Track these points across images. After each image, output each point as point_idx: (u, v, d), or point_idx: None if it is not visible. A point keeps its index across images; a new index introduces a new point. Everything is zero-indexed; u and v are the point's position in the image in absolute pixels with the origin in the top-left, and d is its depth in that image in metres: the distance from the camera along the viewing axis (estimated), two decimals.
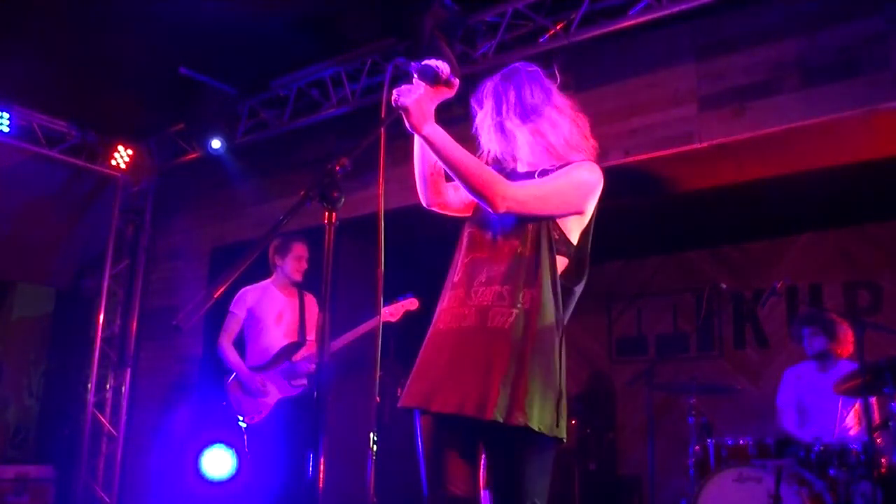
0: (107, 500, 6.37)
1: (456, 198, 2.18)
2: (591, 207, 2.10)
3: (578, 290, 2.08)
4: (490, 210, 1.94)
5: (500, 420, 1.83)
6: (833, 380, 4.19)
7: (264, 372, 4.26)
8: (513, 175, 2.12)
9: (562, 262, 2.03)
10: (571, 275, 2.05)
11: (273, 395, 4.22)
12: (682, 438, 4.76)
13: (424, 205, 2.18)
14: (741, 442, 4.21)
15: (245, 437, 4.23)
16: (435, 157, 1.98)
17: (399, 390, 5.59)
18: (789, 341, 5.08)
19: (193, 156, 6.42)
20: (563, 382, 1.95)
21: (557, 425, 1.89)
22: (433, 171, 2.12)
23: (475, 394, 1.87)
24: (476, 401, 1.86)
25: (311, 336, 4.41)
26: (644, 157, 4.41)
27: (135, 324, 6.76)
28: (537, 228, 2.00)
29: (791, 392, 4.67)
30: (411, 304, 4.29)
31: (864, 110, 3.81)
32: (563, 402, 1.93)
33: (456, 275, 2.08)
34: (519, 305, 1.93)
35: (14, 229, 6.57)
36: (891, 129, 4.11)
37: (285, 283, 4.46)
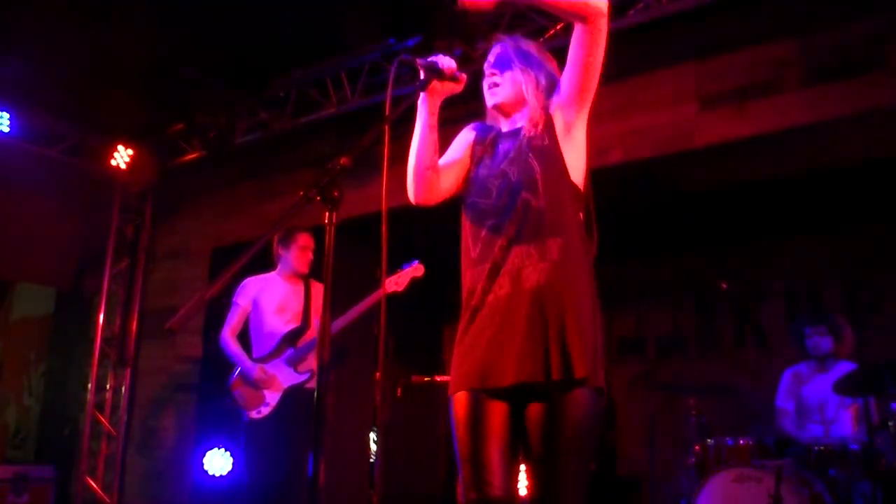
0: (107, 500, 6.37)
1: (444, 185, 2.15)
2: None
3: (592, 251, 2.09)
4: (591, 22, 2.01)
5: (564, 377, 1.83)
6: (833, 380, 4.19)
7: (267, 362, 4.15)
8: (501, 135, 2.16)
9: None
10: (585, 230, 2.06)
11: (279, 385, 4.09)
12: (682, 438, 4.76)
13: (413, 200, 2.14)
14: (741, 442, 4.21)
15: (252, 433, 4.05)
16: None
17: (399, 390, 5.60)
18: (789, 341, 5.08)
19: (193, 156, 6.42)
20: (598, 330, 1.96)
21: (596, 374, 1.90)
22: (430, 165, 2.11)
23: (530, 359, 1.86)
24: (533, 365, 1.85)
25: (317, 319, 4.26)
26: (644, 156, 4.41)
27: (135, 324, 6.76)
28: (547, 178, 1.99)
29: (791, 392, 4.68)
30: (416, 270, 4.11)
31: (864, 110, 3.81)
32: (602, 349, 1.95)
33: (473, 250, 2.04)
34: (548, 257, 1.93)
35: (14, 229, 6.57)
36: (891, 128, 4.11)
37: (290, 275, 4.33)
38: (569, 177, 2.03)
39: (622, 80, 4.55)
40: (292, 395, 4.10)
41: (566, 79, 2.09)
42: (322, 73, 5.45)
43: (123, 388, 6.65)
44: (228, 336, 4.21)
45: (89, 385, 6.60)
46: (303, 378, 4.14)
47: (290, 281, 4.34)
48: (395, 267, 4.15)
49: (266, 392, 4.09)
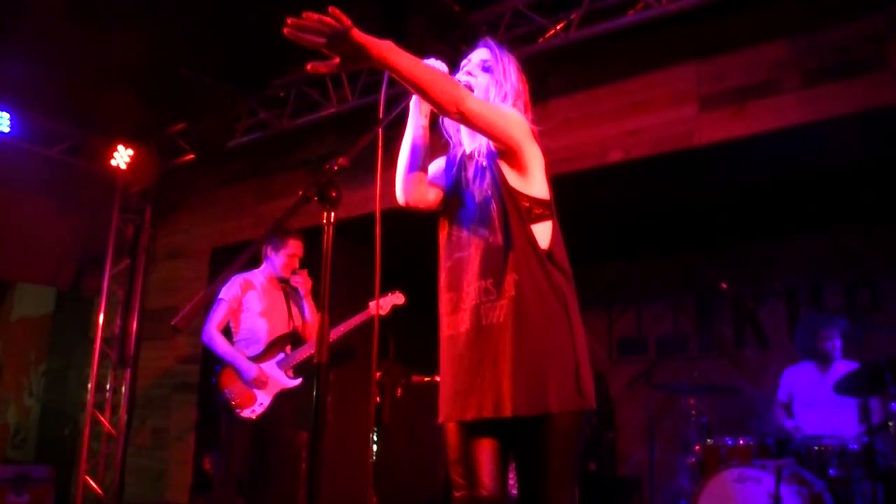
0: (107, 500, 6.37)
1: (431, 193, 2.14)
2: (530, 147, 2.03)
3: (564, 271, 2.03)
4: (443, 112, 1.88)
5: (520, 414, 1.83)
6: (833, 380, 4.20)
7: (260, 363, 4.15)
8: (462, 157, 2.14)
9: (546, 227, 1.99)
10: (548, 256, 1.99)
11: (273, 386, 4.11)
12: (682, 438, 4.76)
13: (402, 201, 2.12)
14: (741, 442, 4.21)
15: (241, 431, 4.03)
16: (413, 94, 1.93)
17: (399, 390, 5.59)
18: (789, 341, 5.09)
19: (193, 156, 6.42)
20: (579, 348, 1.92)
21: (581, 394, 1.88)
22: (422, 166, 2.10)
23: (491, 394, 1.87)
24: (493, 401, 1.87)
25: (298, 325, 4.34)
26: (644, 156, 4.41)
27: (135, 324, 6.76)
28: (501, 209, 1.96)
29: (791, 392, 4.69)
30: (398, 298, 4.24)
31: (863, 110, 3.81)
32: (584, 367, 1.90)
33: (442, 279, 2.07)
34: (506, 295, 1.91)
35: (14, 229, 6.57)
36: (891, 128, 4.11)
37: (272, 277, 4.34)
38: (519, 198, 1.97)
39: (622, 80, 4.54)
40: (283, 399, 4.14)
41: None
42: (322, 73, 5.44)
43: (123, 388, 6.64)
44: (215, 332, 4.18)
45: (89, 385, 6.60)
46: (294, 384, 4.18)
47: (273, 284, 4.36)
48: (384, 288, 4.23)
49: (258, 392, 4.08)
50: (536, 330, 1.89)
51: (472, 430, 1.97)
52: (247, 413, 4.02)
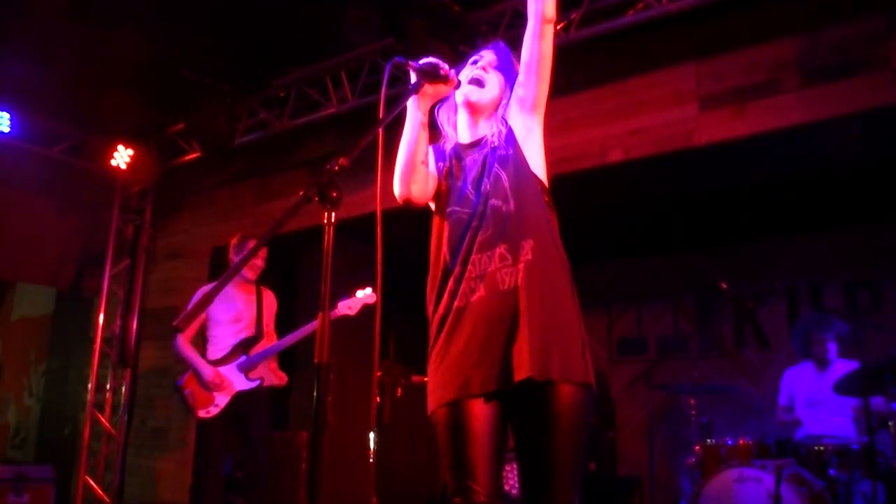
0: (107, 500, 6.37)
1: (429, 186, 2.13)
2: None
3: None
4: (547, 15, 2.05)
5: (544, 377, 1.80)
6: (832, 380, 4.20)
7: (220, 366, 4.33)
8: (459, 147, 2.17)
9: (553, 215, 2.05)
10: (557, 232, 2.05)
11: (230, 388, 4.28)
12: (682, 438, 4.77)
13: (403, 197, 2.09)
14: (741, 442, 4.21)
15: (201, 431, 4.31)
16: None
17: (399, 390, 5.59)
18: (789, 341, 5.09)
19: (193, 156, 6.42)
20: (583, 326, 1.94)
21: (587, 369, 1.88)
22: (423, 159, 2.10)
23: (507, 361, 1.84)
24: (510, 367, 1.83)
25: (269, 329, 4.53)
26: (644, 156, 4.41)
27: (135, 324, 6.76)
28: (514, 181, 1.99)
29: (791, 392, 4.69)
30: (369, 297, 4.28)
31: (863, 110, 3.81)
32: (588, 348, 1.91)
33: (443, 257, 2.03)
34: (522, 259, 1.91)
35: (14, 229, 6.57)
36: (891, 128, 4.11)
37: (241, 281, 4.50)
38: (535, 179, 2.04)
39: (622, 80, 4.55)
40: (241, 399, 4.29)
41: (528, 85, 2.09)
42: (322, 73, 5.45)
43: (123, 388, 6.65)
44: (182, 340, 4.40)
45: (89, 385, 6.60)
46: (253, 385, 4.33)
47: (243, 289, 4.52)
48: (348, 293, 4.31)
49: (216, 394, 4.28)
50: (551, 295, 1.90)
51: (470, 406, 1.90)
52: (202, 413, 4.26)
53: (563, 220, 2.07)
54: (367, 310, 4.27)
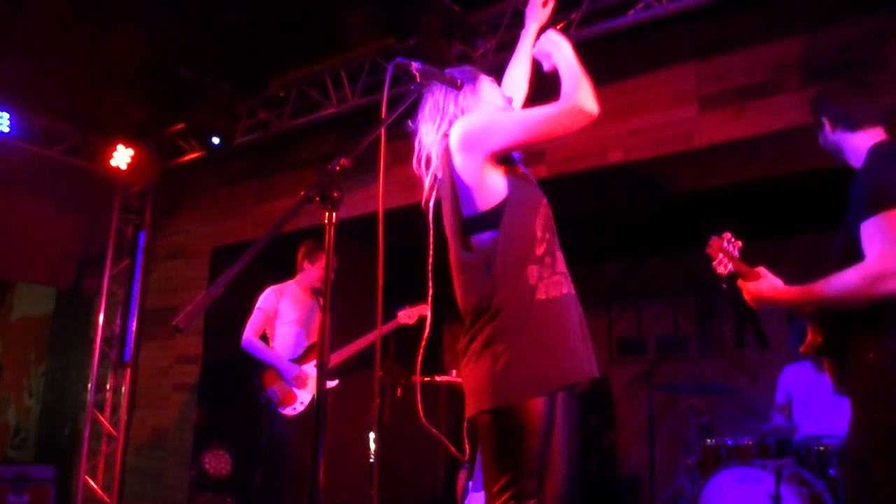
0: (107, 500, 6.37)
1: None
2: None
3: None
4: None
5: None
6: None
7: (300, 365, 4.41)
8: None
9: None
10: None
11: (312, 386, 4.35)
12: (682, 438, 4.77)
13: (594, 114, 2.32)
14: (741, 442, 4.21)
15: (283, 429, 4.29)
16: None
17: (399, 390, 5.60)
18: (789, 341, 5.09)
19: (193, 156, 6.41)
20: None
21: None
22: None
23: (591, 359, 2.07)
24: (594, 365, 2.07)
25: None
26: (644, 157, 4.41)
27: (135, 324, 6.76)
28: None
29: (790, 391, 4.69)
30: (423, 309, 4.43)
31: None
32: None
33: (549, 242, 2.09)
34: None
35: (14, 229, 6.57)
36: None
37: (307, 288, 4.59)
38: None
39: (622, 80, 4.54)
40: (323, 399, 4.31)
41: None
42: (322, 73, 5.45)
43: (123, 388, 6.65)
44: (255, 338, 4.44)
45: (89, 385, 6.60)
46: (332, 384, 4.52)
47: (306, 293, 4.61)
48: (403, 298, 4.45)
49: (298, 391, 4.35)
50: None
51: (553, 410, 1.96)
52: (289, 411, 4.30)
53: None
54: (423, 318, 4.42)
